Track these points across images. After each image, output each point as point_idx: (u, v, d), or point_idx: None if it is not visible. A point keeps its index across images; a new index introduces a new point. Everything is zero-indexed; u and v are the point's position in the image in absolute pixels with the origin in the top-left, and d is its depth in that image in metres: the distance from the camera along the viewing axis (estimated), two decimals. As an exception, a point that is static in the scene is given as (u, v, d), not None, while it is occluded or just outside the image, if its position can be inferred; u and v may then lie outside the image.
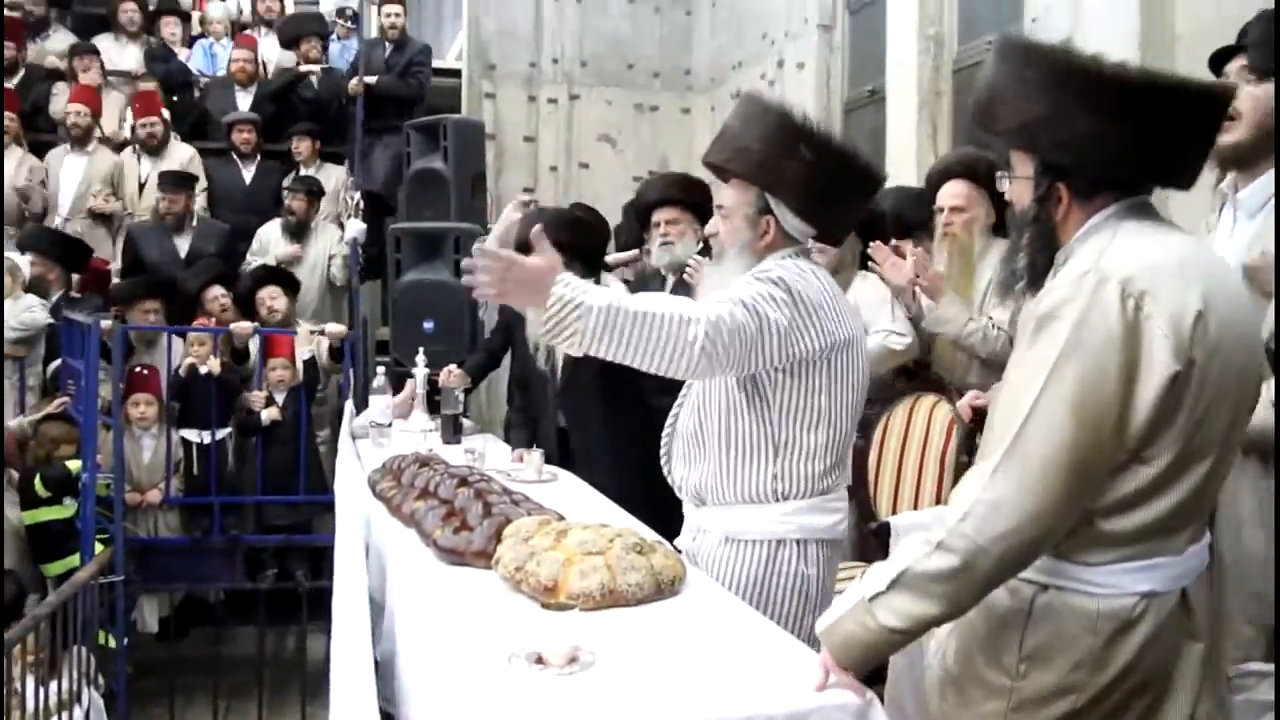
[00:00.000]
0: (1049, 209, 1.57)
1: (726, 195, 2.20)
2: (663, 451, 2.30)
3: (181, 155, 6.16)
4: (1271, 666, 1.99)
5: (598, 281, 3.19)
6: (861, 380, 2.15)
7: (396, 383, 4.05)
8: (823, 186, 2.11)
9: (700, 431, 2.17)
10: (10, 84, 6.24)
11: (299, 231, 5.83)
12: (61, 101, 6.27)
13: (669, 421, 2.29)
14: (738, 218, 2.16)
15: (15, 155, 5.87)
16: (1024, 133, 1.55)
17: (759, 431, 2.09)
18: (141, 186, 6.08)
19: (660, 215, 3.53)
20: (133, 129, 6.21)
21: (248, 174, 6.26)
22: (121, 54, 6.77)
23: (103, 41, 6.77)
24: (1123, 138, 1.47)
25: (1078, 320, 1.42)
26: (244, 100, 6.57)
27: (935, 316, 3.16)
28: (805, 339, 2.02)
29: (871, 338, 3.10)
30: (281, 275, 5.43)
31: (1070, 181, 1.54)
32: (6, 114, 5.79)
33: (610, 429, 3.18)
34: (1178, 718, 1.50)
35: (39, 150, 6.11)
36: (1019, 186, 1.62)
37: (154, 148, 6.08)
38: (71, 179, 5.98)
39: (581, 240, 3.25)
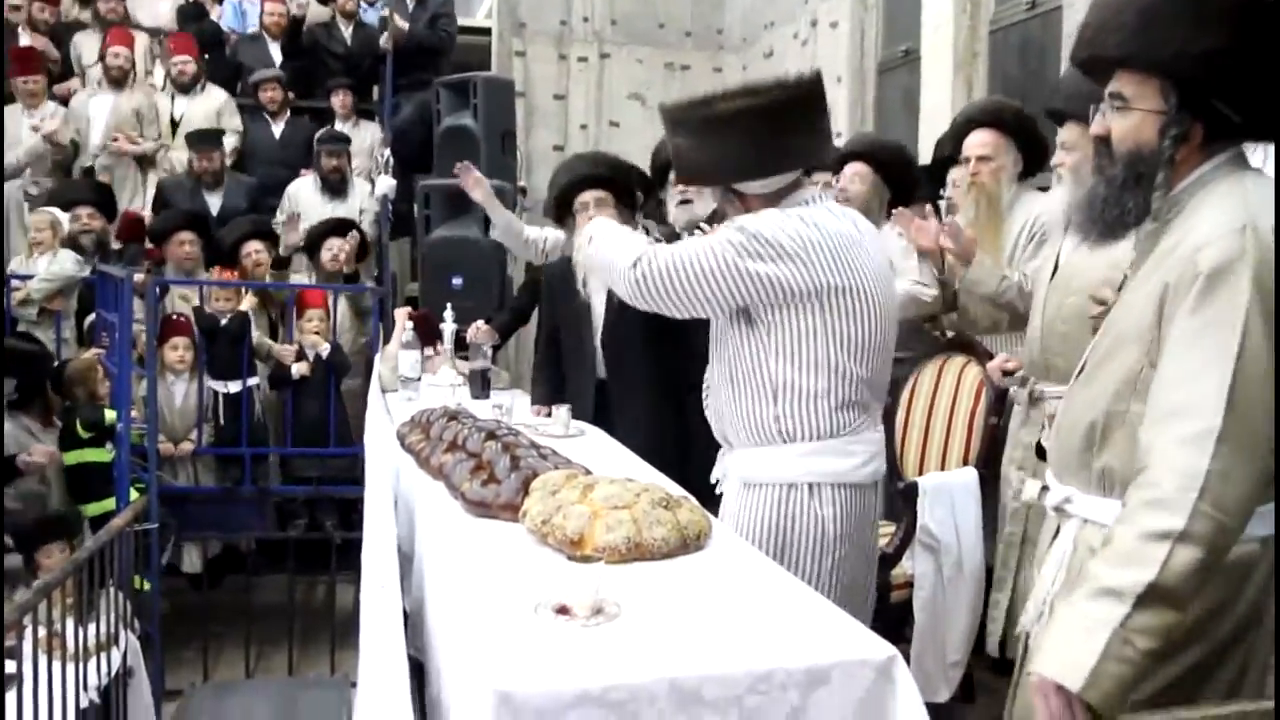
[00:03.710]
0: (1176, 149, 1.45)
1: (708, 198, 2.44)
2: (704, 398, 2.39)
3: (216, 98, 6.21)
4: None
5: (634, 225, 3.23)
6: (871, 326, 2.11)
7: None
8: (745, 150, 2.10)
9: (715, 375, 2.28)
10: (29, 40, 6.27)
11: (340, 189, 5.79)
12: (87, 49, 6.30)
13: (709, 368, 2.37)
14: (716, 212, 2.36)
15: (47, 109, 5.89)
16: (1188, 64, 1.40)
17: (759, 372, 2.14)
18: (174, 124, 6.14)
19: None
20: (166, 70, 6.26)
21: (277, 130, 6.31)
22: (137, 5, 6.79)
23: None
24: None
25: (1256, 276, 1.36)
26: (277, 53, 6.60)
27: (969, 279, 3.14)
28: (771, 281, 2.04)
29: (898, 282, 3.05)
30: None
31: (1208, 122, 1.43)
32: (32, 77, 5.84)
33: (651, 377, 3.17)
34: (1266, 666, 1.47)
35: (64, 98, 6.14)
36: (1135, 120, 1.48)
37: (185, 84, 6.12)
38: (101, 118, 5.99)
39: (621, 179, 3.29)
